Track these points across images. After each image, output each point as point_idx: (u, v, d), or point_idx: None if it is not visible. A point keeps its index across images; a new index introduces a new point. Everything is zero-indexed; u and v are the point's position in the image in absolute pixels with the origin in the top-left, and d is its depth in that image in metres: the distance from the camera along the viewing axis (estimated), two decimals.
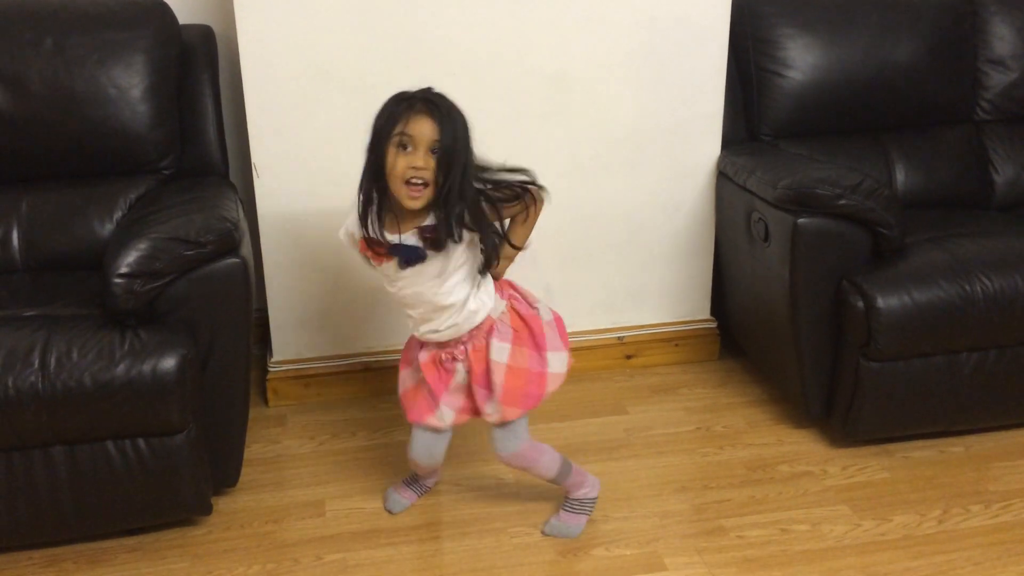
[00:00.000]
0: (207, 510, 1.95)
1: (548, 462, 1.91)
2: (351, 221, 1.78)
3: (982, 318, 2.07)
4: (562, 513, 1.96)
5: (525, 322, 1.83)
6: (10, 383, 1.70)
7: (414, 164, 1.61)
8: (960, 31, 2.59)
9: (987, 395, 2.17)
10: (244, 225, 2.02)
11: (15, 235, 2.17)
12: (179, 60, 2.29)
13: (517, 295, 1.87)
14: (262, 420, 2.39)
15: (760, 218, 2.24)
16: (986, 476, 2.14)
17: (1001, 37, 2.63)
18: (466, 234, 1.70)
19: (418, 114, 1.62)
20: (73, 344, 1.75)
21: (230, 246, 1.87)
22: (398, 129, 1.62)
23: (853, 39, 2.52)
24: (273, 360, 2.45)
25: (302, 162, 2.29)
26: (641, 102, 2.43)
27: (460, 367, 1.81)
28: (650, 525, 1.99)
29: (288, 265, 2.37)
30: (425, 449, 1.90)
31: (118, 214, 2.20)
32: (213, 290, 1.87)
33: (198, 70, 2.33)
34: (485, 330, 1.79)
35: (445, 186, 1.63)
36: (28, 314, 1.88)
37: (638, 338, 2.63)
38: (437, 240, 1.67)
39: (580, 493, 1.96)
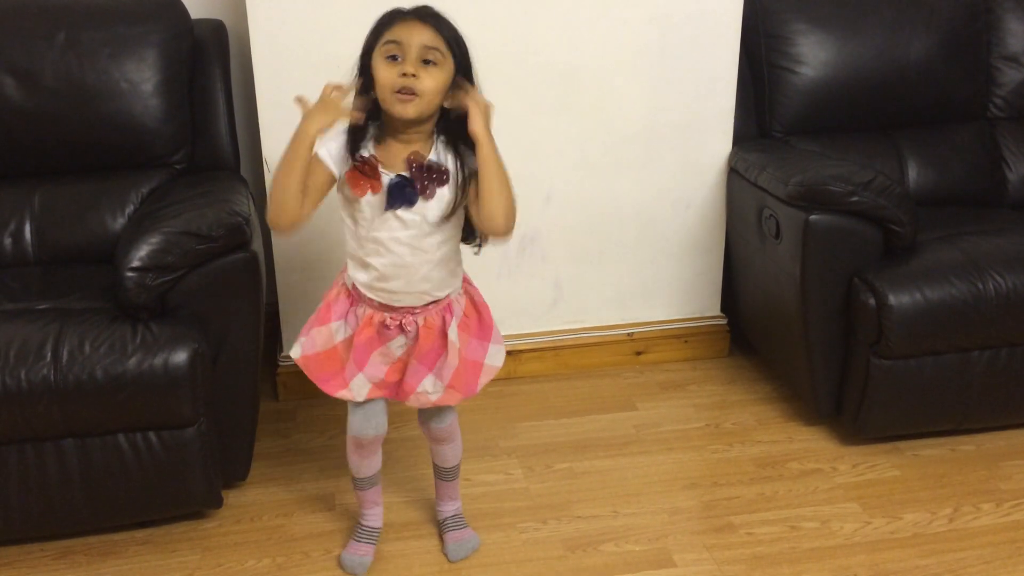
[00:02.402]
0: (217, 503, 1.96)
1: (459, 446, 1.87)
2: (335, 145, 1.58)
3: (994, 316, 2.06)
4: (450, 533, 1.90)
5: (477, 309, 1.72)
6: (23, 376, 1.70)
7: (404, 71, 1.47)
8: (974, 28, 2.58)
9: (998, 393, 2.16)
10: (255, 219, 2.03)
11: (27, 228, 2.18)
12: (191, 55, 2.30)
13: (471, 283, 1.76)
14: (272, 414, 2.40)
15: (771, 215, 2.24)
16: (997, 474, 2.13)
17: (1015, 34, 2.61)
18: (451, 195, 1.56)
19: (408, 20, 1.50)
20: (85, 337, 1.75)
21: (241, 240, 1.87)
22: (386, 37, 1.50)
23: (865, 35, 2.51)
24: (283, 354, 2.46)
25: None
26: (652, 98, 2.42)
27: (401, 338, 1.67)
28: (659, 521, 1.99)
29: (298, 259, 2.38)
30: (362, 419, 1.74)
31: (130, 208, 2.21)
32: (224, 284, 1.88)
33: (210, 65, 2.33)
34: (442, 307, 1.67)
35: (452, 117, 1.52)
36: (41, 307, 1.89)
37: (648, 334, 2.63)
38: (433, 177, 1.54)
39: (452, 510, 1.92)
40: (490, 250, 2.45)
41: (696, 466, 2.19)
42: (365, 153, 1.57)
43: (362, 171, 1.56)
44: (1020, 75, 2.62)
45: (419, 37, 1.49)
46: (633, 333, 2.62)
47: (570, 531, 1.96)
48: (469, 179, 1.58)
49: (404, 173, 1.57)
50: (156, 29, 2.23)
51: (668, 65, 2.40)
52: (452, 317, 1.68)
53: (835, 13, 2.51)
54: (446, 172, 1.58)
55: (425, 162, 1.57)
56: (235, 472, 2.03)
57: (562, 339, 2.59)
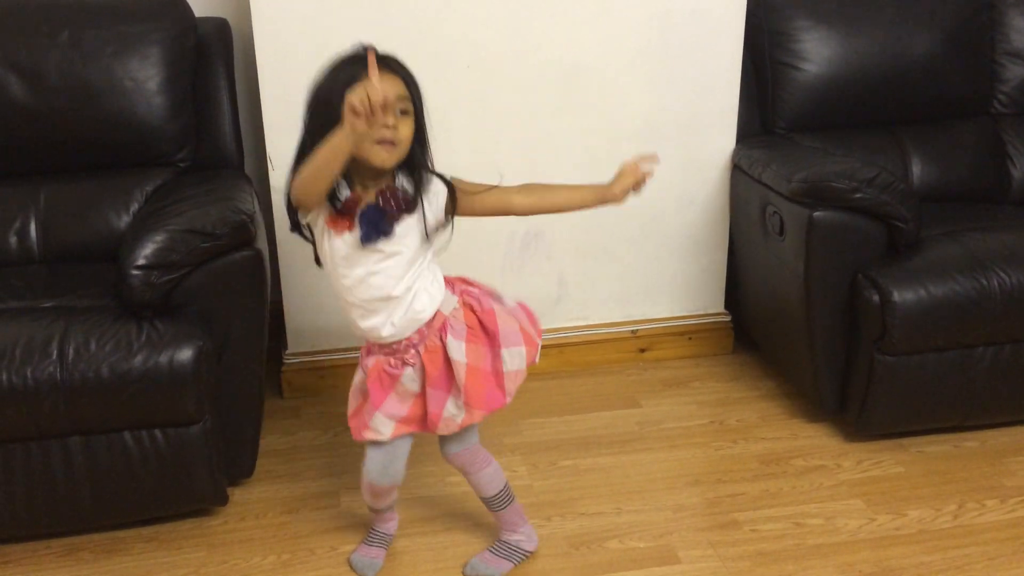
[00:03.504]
0: (223, 501, 1.96)
1: (492, 474, 1.80)
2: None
3: (998, 312, 2.06)
4: (486, 553, 1.85)
5: (478, 318, 1.69)
6: (28, 374, 1.71)
7: (386, 123, 1.49)
8: (977, 24, 2.58)
9: (1003, 390, 2.16)
10: (259, 217, 2.03)
11: (33, 226, 2.19)
12: (195, 53, 2.30)
13: (471, 290, 1.72)
14: (277, 411, 2.40)
15: (775, 211, 2.24)
16: (1001, 471, 2.13)
17: (1019, 30, 2.61)
18: (431, 225, 1.61)
19: (382, 72, 1.49)
20: (91, 335, 1.76)
21: (245, 238, 1.88)
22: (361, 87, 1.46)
23: (869, 31, 2.50)
24: (288, 352, 2.46)
25: None
26: (655, 95, 2.42)
27: (410, 371, 1.67)
28: (663, 518, 1.99)
29: (303, 257, 2.36)
30: (380, 467, 1.75)
31: (134, 206, 2.21)
32: (229, 282, 1.88)
33: (213, 63, 2.34)
34: (437, 328, 1.66)
35: (420, 145, 1.58)
36: (46, 305, 1.89)
37: (651, 331, 2.63)
38: (402, 203, 1.57)
39: (514, 538, 1.85)
40: (494, 247, 2.47)
41: (700, 463, 2.19)
42: (343, 195, 1.58)
43: (343, 212, 1.58)
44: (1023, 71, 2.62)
45: (393, 89, 1.52)
46: (637, 330, 2.62)
47: (574, 528, 1.96)
48: (448, 204, 1.63)
49: (371, 205, 1.58)
50: (160, 27, 2.23)
51: (671, 62, 2.40)
52: (448, 335, 1.66)
53: (838, 9, 2.51)
54: (414, 199, 1.60)
55: (397, 193, 1.58)
56: (240, 469, 2.03)
57: (566, 336, 2.59)
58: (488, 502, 1.83)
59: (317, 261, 1.70)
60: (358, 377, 1.75)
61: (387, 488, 1.79)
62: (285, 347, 2.47)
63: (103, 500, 1.85)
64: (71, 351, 1.73)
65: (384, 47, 2.27)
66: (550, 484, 2.10)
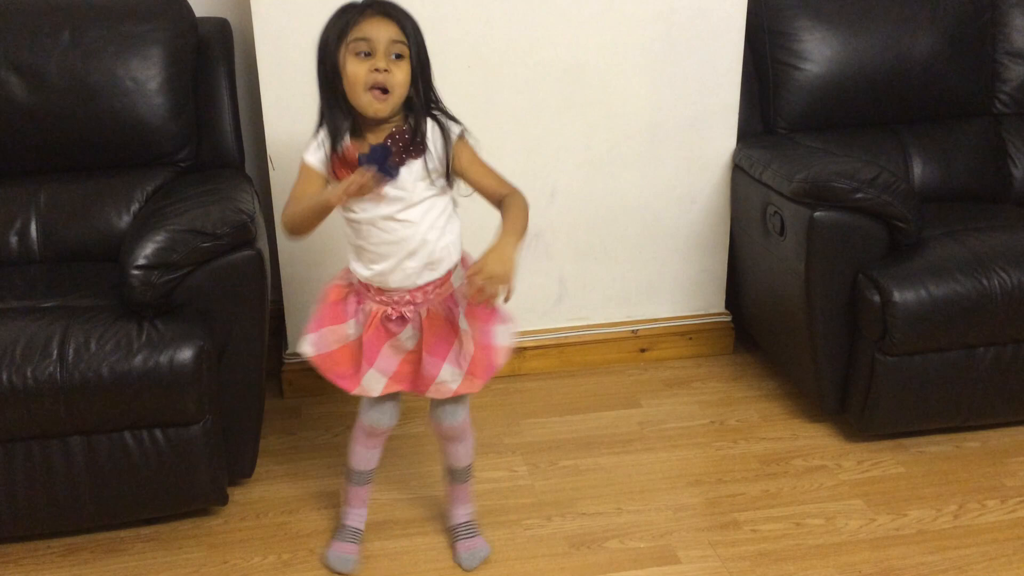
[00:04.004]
0: (223, 500, 1.96)
1: (471, 445, 1.84)
2: (314, 146, 1.63)
3: (999, 313, 2.06)
4: (468, 541, 1.87)
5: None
6: (29, 374, 1.71)
7: (376, 66, 1.50)
8: (979, 23, 2.57)
9: (1004, 390, 2.16)
10: (260, 217, 2.03)
11: (33, 226, 2.19)
12: (195, 53, 2.30)
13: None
14: (277, 411, 2.40)
15: (776, 211, 2.24)
16: (1002, 471, 2.13)
17: (1020, 30, 2.61)
18: (437, 171, 1.60)
19: (373, 16, 1.52)
20: (91, 335, 1.76)
21: (246, 238, 1.88)
22: (353, 35, 1.51)
23: (870, 31, 2.50)
24: (288, 352, 2.46)
25: None
26: (657, 95, 2.42)
27: (409, 329, 1.67)
28: (664, 518, 1.99)
29: (303, 257, 2.38)
30: (379, 413, 1.77)
31: (135, 206, 2.21)
32: (229, 282, 1.88)
33: (214, 63, 2.34)
34: (445, 295, 1.67)
35: (416, 88, 1.56)
36: (46, 305, 1.89)
37: (652, 331, 2.63)
38: (412, 143, 1.56)
39: (468, 511, 1.90)
40: None
41: (700, 463, 2.19)
42: (342, 147, 1.60)
43: (343, 161, 1.60)
44: None
45: (387, 32, 1.52)
46: (637, 330, 2.62)
47: (574, 528, 1.96)
48: (451, 153, 1.61)
49: (376, 147, 1.57)
50: (161, 27, 2.23)
51: (672, 62, 2.40)
52: (458, 306, 1.67)
53: (839, 9, 2.51)
54: (415, 142, 1.59)
55: (404, 135, 1.58)
56: (241, 469, 2.03)
57: (566, 336, 2.59)
58: (458, 473, 1.87)
59: None
60: (350, 323, 1.70)
61: (384, 430, 1.80)
62: (285, 347, 2.47)
63: (103, 500, 1.85)
64: (71, 351, 1.73)
65: None
66: (550, 484, 2.10)
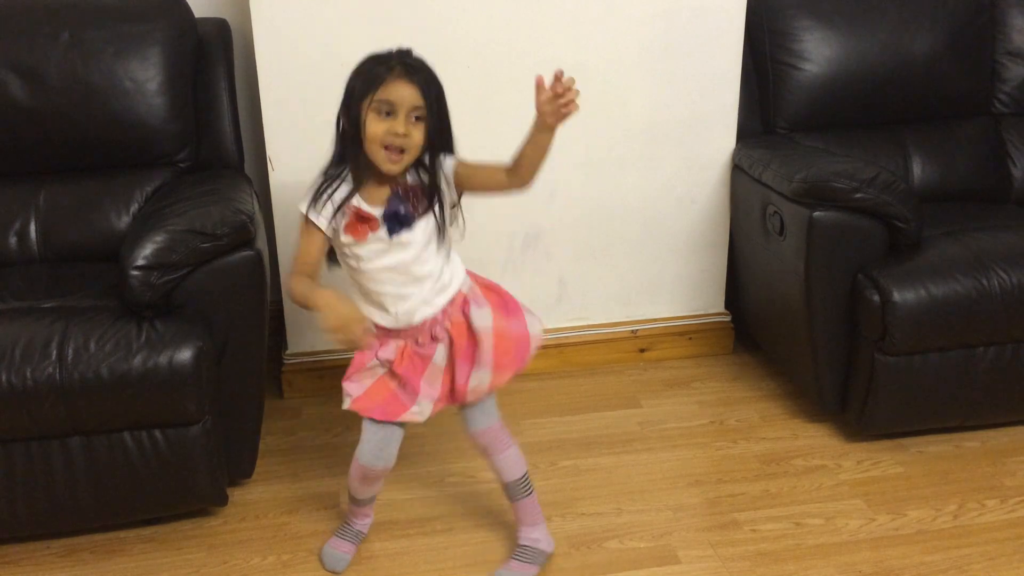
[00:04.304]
0: (223, 501, 1.96)
1: (516, 456, 1.80)
2: (317, 200, 1.66)
3: (999, 312, 2.05)
4: (512, 562, 1.83)
5: (491, 290, 1.77)
6: (28, 374, 1.71)
7: (395, 131, 1.57)
8: (978, 23, 2.57)
9: (1003, 390, 2.16)
10: (259, 218, 2.03)
11: (33, 227, 2.19)
12: (195, 53, 2.30)
13: (473, 273, 1.80)
14: (277, 412, 2.40)
15: (775, 211, 2.24)
16: (1002, 471, 2.13)
17: (1020, 29, 2.61)
18: (438, 207, 1.65)
19: (398, 79, 1.57)
20: (90, 336, 1.76)
21: (246, 239, 1.88)
22: (379, 95, 1.57)
23: (870, 31, 2.50)
24: (288, 352, 2.46)
25: (317, 155, 2.26)
26: (656, 95, 2.42)
27: (441, 348, 1.71)
28: (663, 518, 1.99)
29: None
30: (376, 449, 1.75)
31: (134, 206, 2.22)
32: (229, 282, 1.88)
33: (213, 63, 2.34)
34: (460, 304, 1.72)
35: (427, 149, 1.62)
36: (46, 305, 1.89)
37: (652, 331, 2.63)
38: (421, 197, 1.63)
39: (532, 538, 1.84)
40: (494, 248, 2.47)
41: (700, 463, 2.19)
42: (354, 203, 1.65)
43: (358, 219, 1.64)
44: None
45: (410, 98, 1.58)
46: (637, 330, 2.62)
47: (574, 528, 1.96)
48: (451, 178, 1.67)
49: (393, 201, 1.64)
50: (160, 28, 2.23)
51: (672, 62, 2.40)
52: (470, 306, 1.71)
53: (839, 9, 2.51)
54: (430, 188, 1.65)
55: (409, 185, 1.65)
56: (240, 470, 2.03)
57: (566, 336, 2.59)
58: (511, 488, 1.82)
59: (331, 258, 1.74)
60: (355, 378, 1.74)
61: (379, 472, 1.79)
62: (285, 347, 2.47)
63: (103, 500, 1.85)
64: (71, 351, 1.73)
65: (384, 46, 2.28)
66: (550, 484, 2.10)
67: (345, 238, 1.66)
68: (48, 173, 2.24)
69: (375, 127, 1.58)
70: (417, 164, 1.65)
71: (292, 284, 1.66)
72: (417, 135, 1.60)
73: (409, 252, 1.65)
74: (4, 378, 1.70)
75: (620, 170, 2.47)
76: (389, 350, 1.71)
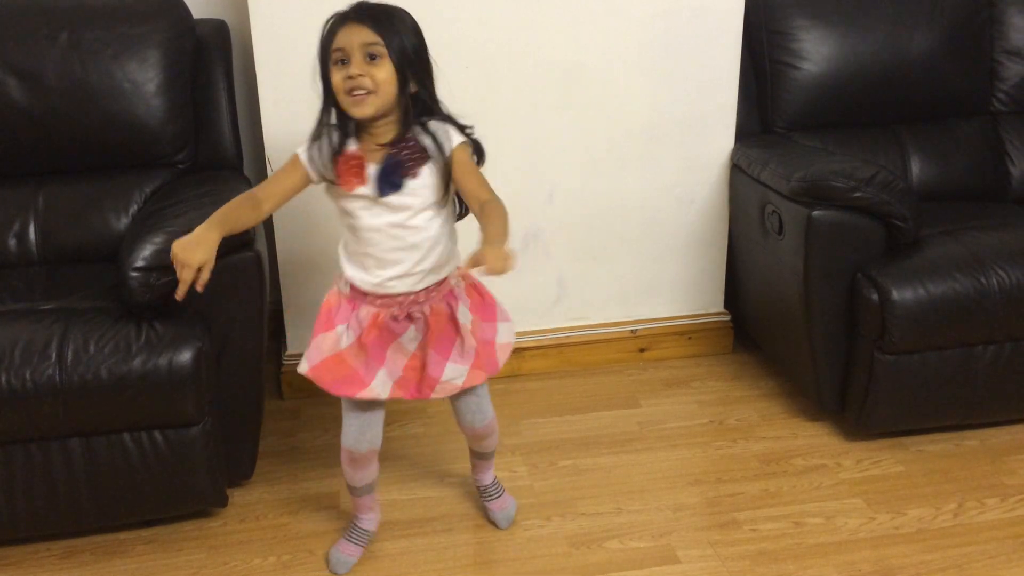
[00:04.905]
0: (223, 502, 1.96)
1: (497, 432, 1.91)
2: (317, 151, 1.65)
3: (997, 311, 2.06)
4: (494, 503, 1.97)
5: (477, 291, 1.75)
6: (27, 376, 1.71)
7: (349, 74, 1.55)
8: (976, 22, 2.58)
9: (1003, 388, 2.16)
10: None
11: (32, 228, 2.19)
12: (193, 54, 2.30)
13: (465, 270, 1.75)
14: (277, 413, 2.40)
15: (774, 211, 2.24)
16: (1002, 469, 2.13)
17: (1018, 28, 2.61)
18: (436, 174, 1.61)
19: (347, 23, 1.57)
20: (90, 337, 1.76)
21: (245, 239, 1.87)
22: (333, 46, 1.57)
23: (868, 30, 2.50)
24: (287, 353, 2.46)
25: None
26: (655, 95, 2.42)
27: (412, 330, 1.68)
28: (663, 518, 1.99)
29: (302, 258, 2.38)
30: (358, 432, 1.74)
31: (133, 207, 2.22)
32: (228, 283, 1.87)
33: (212, 64, 2.34)
34: (444, 293, 1.69)
35: (403, 89, 1.57)
36: (45, 307, 1.89)
37: (651, 331, 2.63)
38: (415, 156, 1.59)
39: (489, 479, 1.97)
40: None
41: (700, 462, 2.19)
42: (350, 149, 1.63)
43: (348, 167, 1.62)
44: (1023, 69, 2.61)
45: (358, 37, 1.56)
46: (637, 330, 2.62)
47: (574, 528, 1.96)
48: (450, 159, 1.62)
49: (387, 160, 1.61)
50: (159, 29, 2.24)
51: (671, 61, 2.40)
52: (458, 302, 1.70)
53: (837, 8, 2.51)
54: (424, 152, 1.62)
55: (403, 144, 1.61)
56: (240, 471, 2.03)
57: (565, 336, 2.59)
58: (485, 456, 1.94)
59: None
60: (338, 329, 1.69)
61: (366, 454, 1.78)
62: (285, 348, 2.47)
63: (103, 502, 1.85)
64: (70, 353, 1.73)
65: None
66: (550, 484, 2.10)
67: (334, 189, 1.64)
68: (47, 174, 2.24)
69: (335, 78, 1.57)
70: (416, 122, 1.61)
71: (233, 199, 1.65)
72: (379, 73, 1.56)
73: (400, 215, 1.62)
74: (3, 380, 1.70)
75: (619, 170, 2.47)
76: (362, 316, 1.68)
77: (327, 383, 1.70)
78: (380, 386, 1.70)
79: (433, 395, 1.72)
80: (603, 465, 2.17)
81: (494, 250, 1.47)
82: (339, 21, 1.59)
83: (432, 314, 1.68)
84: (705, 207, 2.55)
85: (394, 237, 1.63)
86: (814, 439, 2.26)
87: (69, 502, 1.84)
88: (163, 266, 1.80)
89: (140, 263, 1.79)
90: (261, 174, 2.41)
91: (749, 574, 1.83)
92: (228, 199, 1.96)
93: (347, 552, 1.87)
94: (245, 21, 2.28)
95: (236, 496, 2.06)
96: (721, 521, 1.98)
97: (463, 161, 1.64)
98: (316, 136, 1.65)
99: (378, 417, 1.76)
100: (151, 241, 1.81)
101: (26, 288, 2.01)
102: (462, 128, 1.66)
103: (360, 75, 1.55)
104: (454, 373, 1.70)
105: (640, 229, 2.53)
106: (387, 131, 1.62)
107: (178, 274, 1.55)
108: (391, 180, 1.60)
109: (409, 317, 1.68)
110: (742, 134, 2.51)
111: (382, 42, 1.56)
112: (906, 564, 1.84)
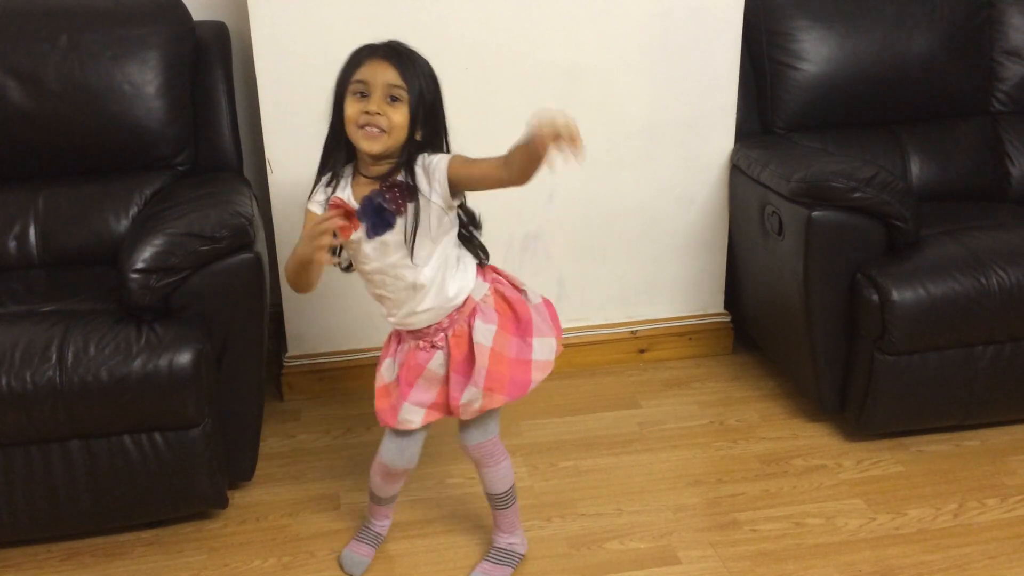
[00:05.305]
0: (223, 504, 1.96)
1: (507, 470, 1.79)
2: (322, 197, 1.65)
3: (997, 311, 2.06)
4: (485, 563, 1.83)
5: (511, 305, 1.71)
6: (28, 378, 1.71)
7: (367, 109, 1.54)
8: (975, 22, 2.58)
9: (1003, 388, 2.16)
10: (258, 220, 2.03)
11: (32, 231, 2.19)
12: (193, 56, 2.30)
13: (501, 279, 1.75)
14: (277, 414, 2.40)
15: (774, 211, 2.24)
16: (1002, 470, 2.13)
17: (1017, 28, 2.61)
18: (440, 209, 1.59)
19: (375, 58, 1.56)
20: (90, 339, 1.76)
21: (245, 241, 1.88)
22: (355, 76, 1.56)
23: (867, 30, 2.50)
24: (288, 355, 2.46)
25: (316, 157, 2.27)
26: (654, 95, 2.42)
27: (439, 356, 1.68)
28: (664, 519, 1.99)
29: None
30: (399, 450, 1.76)
31: (133, 210, 2.21)
32: (228, 285, 1.88)
33: (212, 66, 2.34)
34: (467, 313, 1.67)
35: (412, 135, 1.58)
36: (45, 309, 1.90)
37: (651, 332, 2.63)
38: (402, 193, 1.57)
39: (509, 541, 1.85)
40: (493, 248, 2.46)
41: (700, 463, 2.19)
42: (337, 194, 1.63)
43: (339, 214, 1.60)
44: (1022, 69, 2.62)
45: (384, 76, 1.56)
46: (637, 331, 2.62)
47: (575, 529, 1.96)
48: (445, 176, 1.60)
49: (373, 196, 1.59)
50: (158, 31, 2.24)
51: (670, 62, 2.40)
52: (476, 319, 1.67)
53: (836, 9, 2.51)
54: (413, 188, 1.60)
55: (397, 184, 1.60)
56: (240, 472, 2.03)
57: (565, 337, 2.58)
58: (495, 499, 1.82)
59: (348, 268, 1.73)
60: (385, 363, 1.75)
61: (401, 471, 1.80)
62: (285, 350, 2.47)
63: (103, 504, 1.85)
64: (70, 355, 1.73)
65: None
66: (550, 485, 2.10)
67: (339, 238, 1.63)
68: (47, 177, 2.24)
69: (351, 109, 1.57)
70: (408, 161, 1.60)
71: (286, 267, 1.66)
72: (396, 116, 1.56)
73: (392, 257, 1.62)
74: (4, 382, 1.70)
75: (619, 170, 2.47)
76: (403, 351, 1.72)
77: (378, 410, 1.75)
78: (408, 415, 1.71)
79: (460, 415, 1.72)
80: (603, 466, 2.17)
81: (541, 118, 1.45)
82: (368, 54, 1.58)
83: (454, 337, 1.68)
84: (705, 208, 2.55)
85: (396, 277, 1.64)
86: (814, 440, 2.26)
87: (70, 504, 1.84)
88: (163, 268, 1.80)
89: (140, 265, 1.79)
90: (261, 176, 2.41)
91: (750, 574, 1.83)
92: (228, 200, 1.98)
93: (362, 552, 1.87)
94: (245, 23, 2.28)
95: (236, 498, 2.06)
96: (722, 522, 1.98)
97: (461, 161, 1.61)
98: (319, 179, 1.66)
99: (419, 438, 1.77)
100: (151, 243, 1.81)
101: (26, 290, 2.01)
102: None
103: (378, 113, 1.55)
104: (471, 396, 1.67)
105: (640, 229, 2.53)
106: (383, 168, 1.62)
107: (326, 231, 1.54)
108: (382, 218, 1.59)
109: (433, 346, 1.69)
110: (742, 134, 2.51)
111: (405, 86, 1.56)
112: (906, 564, 1.84)
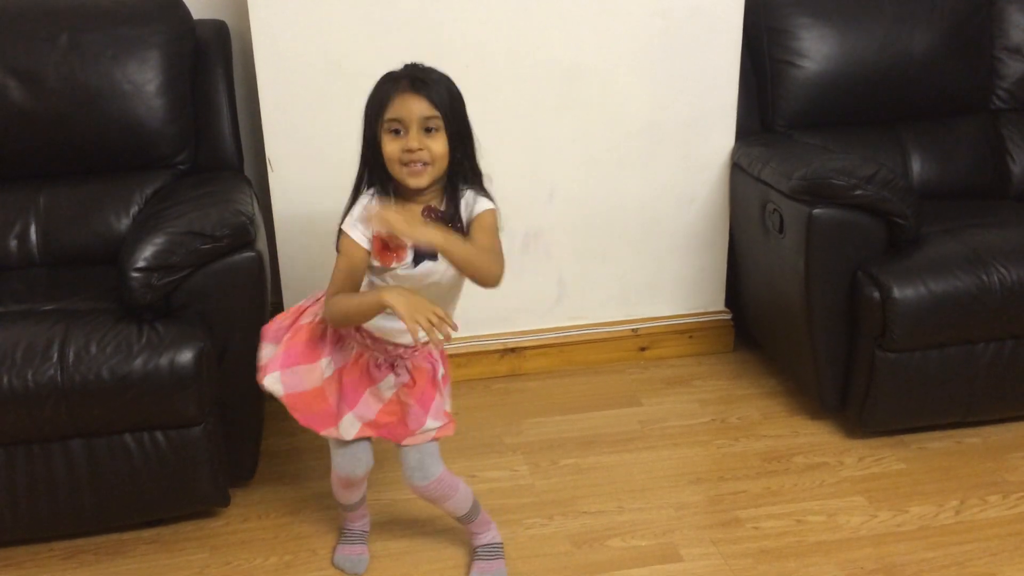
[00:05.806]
0: (225, 502, 1.96)
1: (462, 497, 1.78)
2: (355, 214, 1.62)
3: (998, 308, 2.06)
4: (478, 563, 1.83)
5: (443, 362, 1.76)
6: (29, 377, 1.71)
7: (408, 147, 1.54)
8: (976, 19, 2.58)
9: (1004, 386, 2.16)
10: (259, 219, 2.03)
11: (33, 230, 2.19)
12: (193, 56, 2.30)
13: None
14: (278, 412, 2.37)
15: (775, 209, 2.24)
16: (1003, 467, 2.13)
17: (1018, 25, 2.61)
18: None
19: (404, 93, 1.55)
20: (91, 338, 1.76)
21: (245, 240, 1.88)
22: (388, 115, 1.55)
23: (868, 28, 2.50)
24: None
25: (316, 156, 2.30)
26: (655, 94, 2.42)
27: (391, 378, 1.68)
28: (665, 516, 1.99)
29: (303, 258, 2.38)
30: (352, 460, 1.74)
31: (134, 209, 2.22)
32: (229, 284, 1.88)
33: (212, 65, 2.34)
34: (426, 354, 1.69)
35: (455, 159, 1.58)
36: (46, 308, 1.90)
37: (652, 330, 2.63)
38: (450, 219, 1.59)
39: (487, 539, 1.85)
40: None
41: (702, 461, 2.19)
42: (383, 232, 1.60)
43: (386, 244, 1.60)
44: (1023, 67, 2.61)
45: (417, 110, 1.55)
46: (638, 329, 2.62)
47: (576, 527, 1.96)
48: (472, 220, 1.62)
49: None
50: (159, 30, 2.24)
51: (671, 61, 2.40)
52: (439, 364, 1.71)
53: (837, 6, 2.51)
54: (460, 219, 1.62)
55: (439, 213, 1.61)
56: (242, 471, 2.04)
57: (567, 335, 2.59)
58: (461, 519, 1.83)
59: None
60: (306, 368, 1.68)
61: (360, 477, 1.79)
62: None
63: (105, 502, 1.85)
64: (72, 354, 1.74)
65: (383, 49, 2.29)
66: (552, 483, 2.10)
67: (373, 261, 1.62)
68: (47, 176, 2.25)
69: (389, 147, 1.56)
70: (453, 190, 1.61)
71: (334, 302, 1.60)
72: (436, 146, 1.56)
73: (432, 279, 1.62)
74: (5, 381, 1.71)
75: (620, 170, 2.47)
76: (346, 350, 1.68)
77: (300, 414, 1.70)
78: (346, 427, 1.70)
79: (405, 442, 1.71)
80: (605, 464, 2.17)
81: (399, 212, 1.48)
82: (393, 88, 1.56)
83: (415, 370, 1.68)
84: (705, 206, 2.55)
85: (437, 283, 1.64)
86: (816, 437, 2.26)
87: (71, 503, 1.84)
88: (164, 266, 1.80)
89: (141, 264, 1.79)
90: (261, 175, 2.41)
91: (751, 572, 1.83)
92: (228, 199, 1.98)
93: (356, 552, 1.87)
94: (245, 22, 2.28)
95: (238, 496, 2.06)
96: (723, 519, 1.98)
97: (485, 221, 1.62)
98: (352, 204, 1.63)
99: (365, 446, 1.76)
100: (152, 242, 1.81)
101: (27, 290, 2.01)
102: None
103: (420, 149, 1.55)
104: (431, 424, 1.69)
105: (641, 228, 2.53)
106: (429, 197, 1.62)
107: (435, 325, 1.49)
108: (429, 251, 1.58)
109: (392, 367, 1.68)
110: (742, 133, 2.51)
111: (439, 115, 1.56)
112: (908, 561, 1.84)
